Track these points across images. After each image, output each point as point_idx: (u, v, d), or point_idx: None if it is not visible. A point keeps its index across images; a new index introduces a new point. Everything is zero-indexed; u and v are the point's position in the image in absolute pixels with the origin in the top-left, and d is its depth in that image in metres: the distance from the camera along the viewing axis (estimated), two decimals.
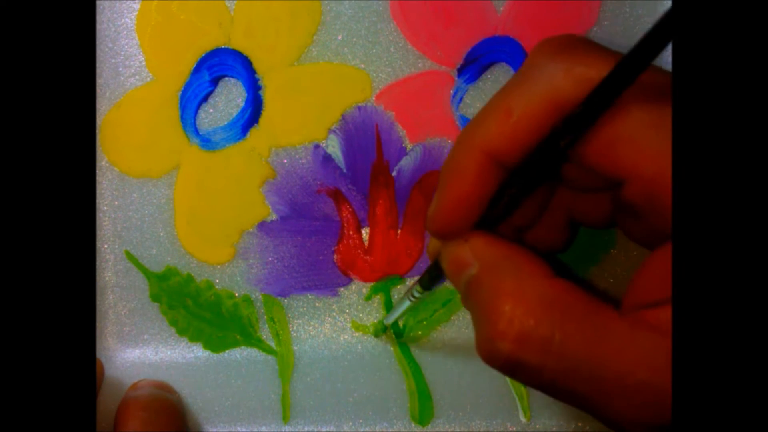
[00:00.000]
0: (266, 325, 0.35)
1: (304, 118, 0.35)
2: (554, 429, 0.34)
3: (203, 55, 0.35)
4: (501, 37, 0.35)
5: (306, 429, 0.35)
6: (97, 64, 0.35)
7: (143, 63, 0.35)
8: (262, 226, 0.35)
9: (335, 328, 0.35)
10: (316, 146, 0.35)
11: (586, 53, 0.22)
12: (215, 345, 0.35)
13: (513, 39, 0.35)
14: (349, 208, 0.35)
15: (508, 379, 0.34)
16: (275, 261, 0.35)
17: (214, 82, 0.35)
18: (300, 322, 0.35)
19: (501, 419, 0.34)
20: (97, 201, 0.35)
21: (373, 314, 0.35)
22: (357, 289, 0.35)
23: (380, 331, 0.34)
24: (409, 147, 0.35)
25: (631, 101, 0.22)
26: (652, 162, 0.22)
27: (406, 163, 0.35)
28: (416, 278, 0.35)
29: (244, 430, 0.35)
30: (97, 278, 0.35)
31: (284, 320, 0.35)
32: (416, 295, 0.30)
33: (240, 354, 0.35)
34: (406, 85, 0.35)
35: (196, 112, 0.35)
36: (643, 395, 0.21)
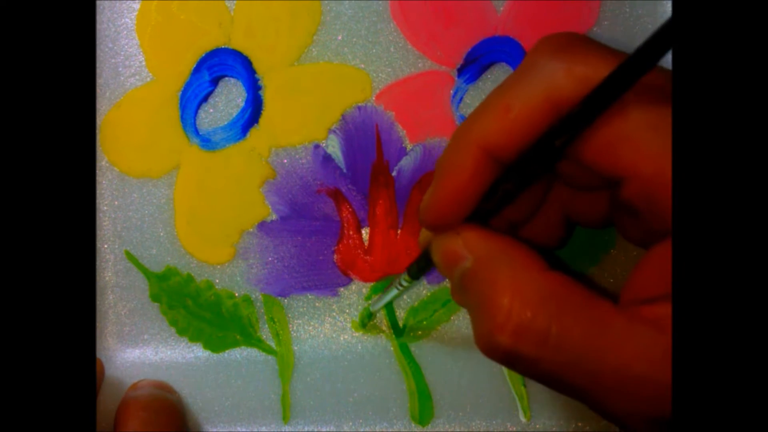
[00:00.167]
0: (266, 325, 0.35)
1: (304, 118, 0.35)
2: (554, 429, 0.34)
3: (203, 55, 0.35)
4: (501, 37, 0.35)
5: (306, 429, 0.35)
6: (97, 64, 0.35)
7: (143, 63, 0.35)
8: (262, 226, 0.35)
9: (335, 328, 0.35)
10: (316, 146, 0.35)
11: (587, 52, 0.23)
12: (215, 345, 0.35)
13: (513, 39, 0.35)
14: (349, 208, 0.35)
15: (508, 379, 0.34)
16: (275, 261, 0.35)
17: (214, 82, 0.35)
18: (300, 322, 0.35)
19: (501, 419, 0.34)
20: (97, 201, 0.35)
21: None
22: (357, 289, 0.35)
23: (366, 318, 0.35)
24: (409, 147, 0.35)
25: (629, 101, 0.22)
26: (650, 161, 0.22)
27: (406, 163, 0.35)
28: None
29: (244, 430, 0.35)
30: (97, 278, 0.35)
31: (284, 320, 0.35)
32: (404, 283, 0.30)
33: (240, 354, 0.35)
34: (406, 85, 0.35)
35: (196, 112, 0.35)
36: (640, 388, 0.21)
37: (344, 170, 0.35)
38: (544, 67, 0.23)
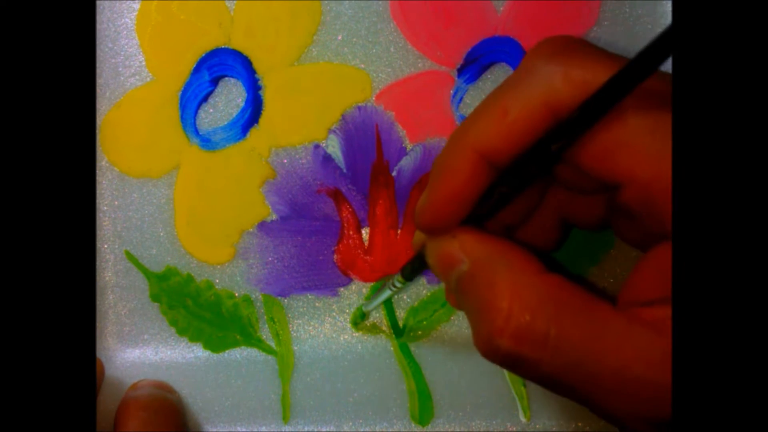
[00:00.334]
0: (266, 325, 0.35)
1: (304, 118, 0.35)
2: (554, 429, 0.34)
3: (203, 55, 0.35)
4: (501, 37, 0.35)
5: (306, 429, 0.35)
6: (97, 64, 0.35)
7: (143, 63, 0.35)
8: (262, 226, 0.35)
9: (335, 328, 0.35)
10: (316, 146, 0.35)
11: (584, 56, 0.22)
12: (215, 345, 0.35)
13: (513, 39, 0.35)
14: (349, 208, 0.35)
15: (508, 379, 0.34)
16: (275, 261, 0.35)
17: (214, 82, 0.35)
18: (300, 322, 0.35)
19: (501, 419, 0.34)
20: (97, 201, 0.35)
21: (373, 314, 0.35)
22: (357, 289, 0.35)
23: (359, 318, 0.35)
24: (409, 147, 0.35)
25: (627, 106, 0.22)
26: (648, 166, 0.22)
27: (406, 163, 0.35)
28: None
29: (244, 430, 0.35)
30: (97, 278, 0.35)
31: (284, 320, 0.35)
32: (397, 284, 0.30)
33: (240, 354, 0.35)
34: (406, 85, 0.35)
35: (196, 112, 0.35)
36: (639, 390, 0.21)
37: (344, 170, 0.35)
38: (542, 71, 0.23)
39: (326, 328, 0.35)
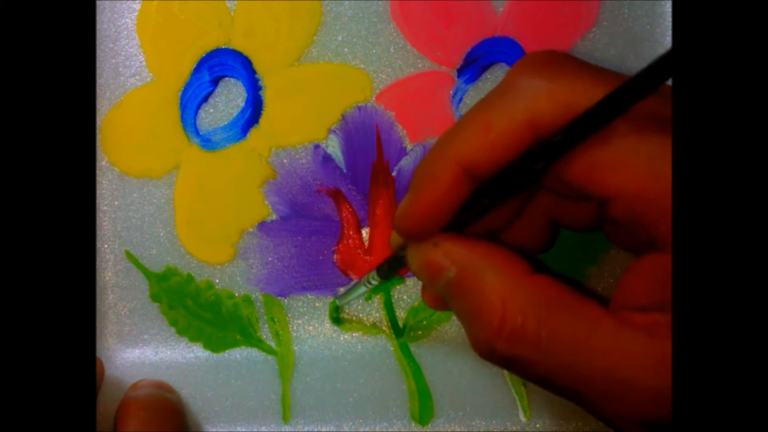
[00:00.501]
0: (266, 325, 0.35)
1: (304, 118, 0.35)
2: (554, 429, 0.34)
3: (203, 55, 0.35)
4: (500, 38, 0.35)
5: (306, 429, 0.35)
6: (97, 64, 0.35)
7: (143, 63, 0.35)
8: (262, 226, 0.35)
9: (335, 328, 0.35)
10: (316, 146, 0.35)
11: (569, 74, 0.22)
12: (215, 345, 0.35)
13: (512, 39, 0.35)
14: (349, 208, 0.35)
15: (508, 379, 0.35)
16: (275, 261, 0.35)
17: (215, 82, 0.35)
18: (300, 322, 0.35)
19: (501, 419, 0.34)
20: (97, 201, 0.35)
21: (373, 314, 0.35)
22: None
23: (333, 312, 0.35)
24: (409, 147, 0.35)
25: (610, 127, 0.22)
26: (634, 182, 0.22)
27: (406, 163, 0.35)
28: (414, 278, 0.35)
29: (244, 430, 0.35)
30: (97, 278, 0.35)
31: (284, 320, 0.35)
32: (372, 282, 0.30)
33: (240, 354, 0.35)
34: (406, 86, 0.35)
35: (196, 112, 0.35)
36: (630, 392, 0.21)
37: (344, 170, 0.35)
38: (525, 88, 0.23)
39: (326, 328, 0.35)
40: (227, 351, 0.35)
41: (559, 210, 0.27)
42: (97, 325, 0.35)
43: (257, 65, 0.35)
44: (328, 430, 0.34)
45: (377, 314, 0.35)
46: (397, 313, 0.35)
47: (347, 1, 0.35)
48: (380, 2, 0.35)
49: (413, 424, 0.34)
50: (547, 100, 0.22)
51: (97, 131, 0.35)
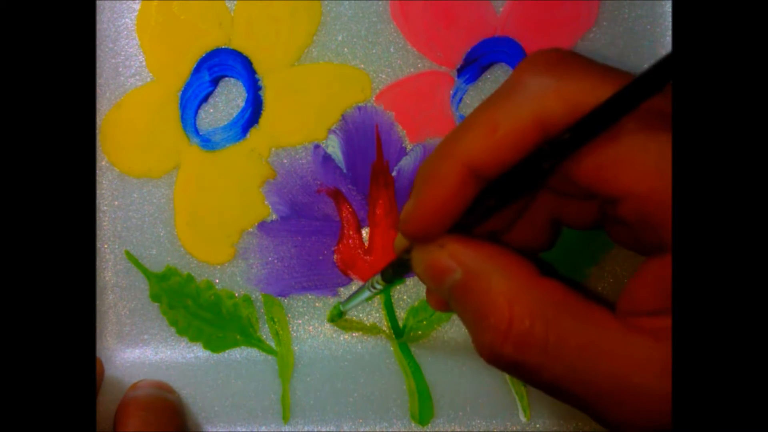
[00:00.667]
0: (266, 325, 0.35)
1: (304, 118, 0.35)
2: (554, 429, 0.34)
3: (203, 55, 0.35)
4: (500, 38, 0.35)
5: (306, 429, 0.35)
6: (97, 64, 0.35)
7: (143, 63, 0.35)
8: (262, 226, 0.35)
9: (335, 328, 0.35)
10: (316, 146, 0.35)
11: (577, 73, 0.22)
12: (215, 345, 0.35)
13: (512, 39, 0.35)
14: (349, 208, 0.35)
15: (508, 379, 0.35)
16: (275, 261, 0.35)
17: (215, 82, 0.35)
18: (300, 322, 0.35)
19: (501, 419, 0.34)
20: (97, 201, 0.35)
21: (373, 314, 0.35)
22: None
23: (336, 316, 0.35)
24: (409, 147, 0.35)
25: (619, 125, 0.22)
26: (643, 182, 0.21)
27: (406, 163, 0.35)
28: (416, 278, 0.35)
29: (244, 430, 0.35)
30: (97, 278, 0.35)
31: (284, 320, 0.35)
32: (377, 286, 0.30)
33: (240, 354, 0.35)
34: (406, 86, 0.35)
35: (196, 112, 0.35)
36: (637, 398, 0.21)
37: (344, 170, 0.35)
38: (533, 87, 0.22)
39: (326, 328, 0.35)
40: (227, 351, 0.35)
41: (561, 208, 0.26)
42: (97, 325, 0.35)
43: (257, 65, 0.35)
44: (328, 430, 0.34)
45: (377, 314, 0.35)
46: (397, 314, 0.35)
47: (347, 1, 0.35)
48: (380, 2, 0.35)
49: (413, 424, 0.34)
50: (555, 98, 0.22)
51: (97, 131, 0.35)
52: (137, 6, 0.35)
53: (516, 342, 0.22)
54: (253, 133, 0.35)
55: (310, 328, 0.35)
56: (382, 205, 0.35)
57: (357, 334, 0.35)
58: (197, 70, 0.35)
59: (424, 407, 0.34)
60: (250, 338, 0.35)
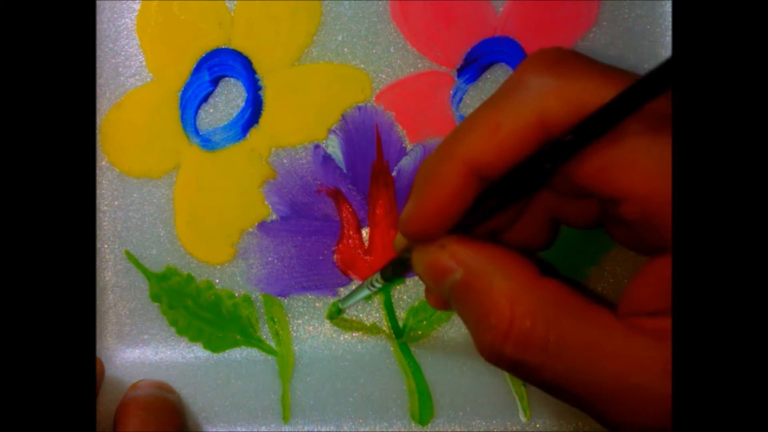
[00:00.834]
0: (266, 325, 0.35)
1: (304, 118, 0.35)
2: (554, 429, 0.34)
3: (203, 55, 0.35)
4: (500, 38, 0.35)
5: (306, 429, 0.35)
6: (97, 64, 0.35)
7: (143, 63, 0.35)
8: (262, 226, 0.35)
9: (335, 328, 0.35)
10: (316, 146, 0.35)
11: (578, 72, 0.22)
12: (215, 345, 0.35)
13: (512, 39, 0.35)
14: (349, 208, 0.35)
15: (508, 379, 0.34)
16: (275, 261, 0.35)
17: (214, 82, 0.35)
18: (300, 322, 0.35)
19: (501, 419, 0.34)
20: (97, 201, 0.35)
21: (373, 314, 0.35)
22: None
23: (334, 313, 0.35)
24: (409, 147, 0.35)
25: (621, 126, 0.22)
26: (646, 183, 0.21)
27: (406, 163, 0.35)
28: (416, 278, 0.35)
29: (244, 430, 0.35)
30: (97, 278, 0.35)
31: (284, 320, 0.35)
32: (376, 285, 0.30)
33: (240, 354, 0.35)
34: (406, 86, 0.35)
35: (196, 112, 0.35)
36: (638, 398, 0.21)
37: (344, 170, 0.35)
38: (534, 87, 0.22)
39: (326, 328, 0.35)
40: (227, 351, 0.35)
41: (561, 208, 0.26)
42: (97, 325, 0.35)
43: (257, 65, 0.35)
44: (328, 430, 0.34)
45: (377, 314, 0.35)
46: (397, 313, 0.35)
47: (347, 1, 0.35)
48: (380, 2, 0.35)
49: (413, 424, 0.34)
50: (557, 98, 0.22)
51: (97, 131, 0.35)
52: (137, 6, 0.35)
53: (517, 341, 0.22)
54: (253, 133, 0.35)
55: (310, 328, 0.35)
56: (382, 205, 0.35)
57: (357, 334, 0.35)
58: (197, 70, 0.35)
59: (424, 407, 0.34)
60: (250, 338, 0.35)
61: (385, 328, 0.35)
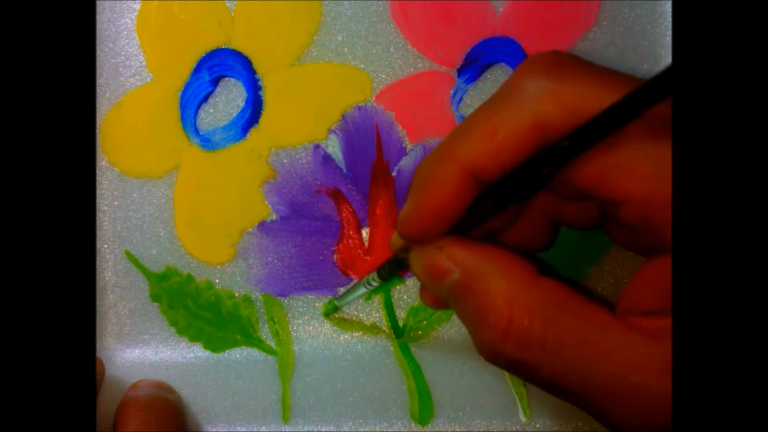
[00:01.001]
0: (266, 325, 0.35)
1: (304, 118, 0.35)
2: (554, 429, 0.34)
3: (203, 55, 0.35)
4: (500, 38, 0.35)
5: (306, 429, 0.35)
6: (97, 64, 0.35)
7: (143, 63, 0.35)
8: (262, 226, 0.35)
9: (335, 328, 0.35)
10: (316, 146, 0.35)
11: (575, 76, 0.22)
12: (215, 345, 0.35)
13: (512, 39, 0.35)
14: (349, 208, 0.35)
15: (508, 379, 0.34)
16: (275, 261, 0.35)
17: (214, 82, 0.35)
18: (300, 322, 0.35)
19: (501, 419, 0.34)
20: (97, 201, 0.35)
21: (373, 314, 0.35)
22: None
23: (330, 311, 0.35)
24: (409, 147, 0.35)
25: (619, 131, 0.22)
26: (643, 186, 0.22)
27: (406, 163, 0.35)
28: (414, 278, 0.35)
29: (244, 430, 0.35)
30: (97, 278, 0.35)
31: (284, 320, 0.35)
32: (373, 283, 0.30)
33: (240, 354, 0.35)
34: (406, 86, 0.35)
35: (196, 112, 0.35)
36: (637, 397, 0.21)
37: (344, 170, 0.35)
38: (531, 91, 0.22)
39: (326, 328, 0.35)
40: (227, 351, 0.35)
41: (560, 209, 0.27)
42: (97, 325, 0.35)
43: (257, 65, 0.35)
44: (328, 430, 0.34)
45: (377, 314, 0.35)
46: (397, 313, 0.35)
47: (347, 1, 0.35)
48: (380, 2, 0.35)
49: (413, 424, 0.34)
50: (553, 103, 0.22)
51: (97, 131, 0.35)
52: (137, 6, 0.35)
53: (515, 340, 0.22)
54: (253, 133, 0.35)
55: (310, 328, 0.35)
56: (382, 205, 0.35)
57: (357, 334, 0.35)
58: (197, 70, 0.35)
59: (424, 407, 0.34)
60: (250, 338, 0.35)
61: (385, 328, 0.35)
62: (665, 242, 0.22)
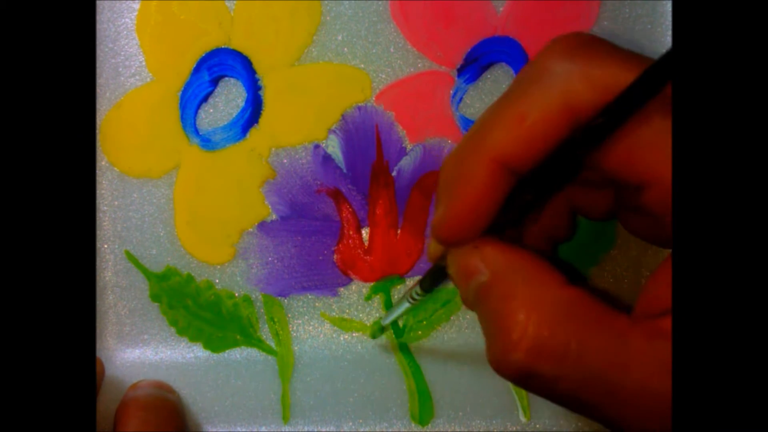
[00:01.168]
0: (266, 325, 0.35)
1: (304, 118, 0.35)
2: (554, 429, 0.34)
3: (203, 55, 0.35)
4: (501, 38, 0.35)
5: (306, 429, 0.35)
6: (97, 64, 0.35)
7: (143, 63, 0.35)
8: (262, 226, 0.35)
9: (335, 328, 0.35)
10: (316, 146, 0.35)
11: (601, 55, 0.22)
12: (215, 345, 0.35)
13: (513, 39, 0.35)
14: (349, 208, 0.35)
15: None
16: (275, 261, 0.35)
17: (214, 82, 0.35)
18: (300, 322, 0.35)
19: (501, 419, 0.34)
20: (97, 201, 0.35)
21: (373, 314, 0.35)
22: (357, 289, 0.35)
23: (378, 332, 0.34)
24: (409, 147, 0.35)
25: (649, 107, 0.21)
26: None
27: (406, 163, 0.35)
28: (417, 278, 0.35)
29: (244, 430, 0.35)
30: (97, 278, 0.35)
31: (284, 320, 0.35)
32: (416, 297, 0.30)
33: (240, 354, 0.35)
34: (406, 85, 0.35)
35: (196, 112, 0.35)
36: (660, 406, 0.21)
37: (344, 170, 0.35)
38: (559, 73, 0.22)
39: (326, 328, 0.35)
40: (227, 351, 0.35)
41: (579, 197, 0.26)
42: (97, 325, 0.35)
43: (257, 65, 0.35)
44: (328, 430, 0.34)
45: (377, 314, 0.35)
46: None
47: (347, 1, 0.35)
48: (380, 2, 0.35)
49: (413, 424, 0.34)
50: (583, 82, 0.21)
51: (97, 131, 0.35)
52: (137, 6, 0.35)
53: (529, 349, 0.21)
54: (253, 133, 0.35)
55: (310, 328, 0.35)
56: (382, 205, 0.35)
57: (357, 334, 0.35)
58: (197, 70, 0.35)
59: (424, 407, 0.34)
60: (250, 338, 0.35)
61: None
62: None
